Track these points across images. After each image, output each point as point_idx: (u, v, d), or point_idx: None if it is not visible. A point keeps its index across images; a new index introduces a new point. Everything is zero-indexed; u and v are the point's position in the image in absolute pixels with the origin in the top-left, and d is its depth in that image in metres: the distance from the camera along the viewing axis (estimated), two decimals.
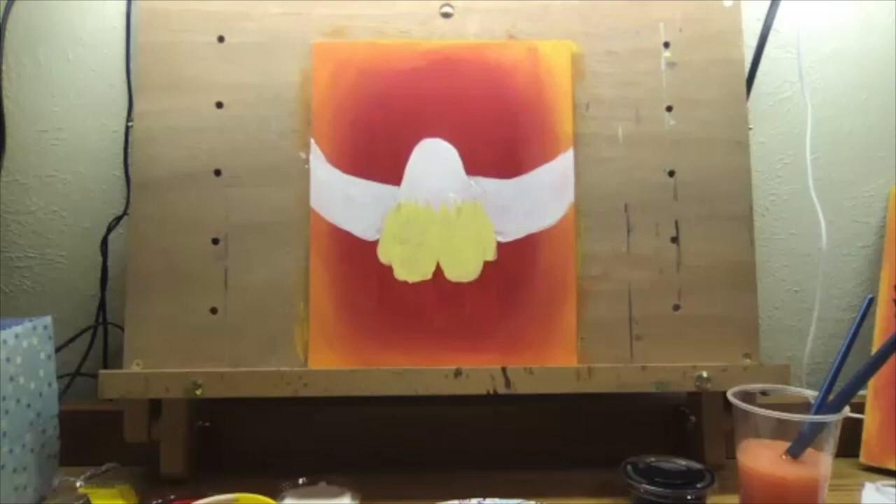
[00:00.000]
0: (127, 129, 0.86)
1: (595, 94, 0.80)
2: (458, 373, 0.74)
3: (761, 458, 0.63)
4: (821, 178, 0.89)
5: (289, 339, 0.76)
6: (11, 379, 0.67)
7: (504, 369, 0.74)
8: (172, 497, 0.71)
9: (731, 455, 0.69)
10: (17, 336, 0.68)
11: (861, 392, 0.69)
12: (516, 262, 0.77)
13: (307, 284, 0.77)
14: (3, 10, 0.83)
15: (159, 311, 0.76)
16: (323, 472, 0.73)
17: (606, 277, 0.78)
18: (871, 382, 0.81)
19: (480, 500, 0.69)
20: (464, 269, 0.77)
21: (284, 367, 0.75)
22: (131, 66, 0.86)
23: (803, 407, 0.65)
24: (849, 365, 0.64)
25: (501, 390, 0.74)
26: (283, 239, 0.77)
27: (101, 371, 0.74)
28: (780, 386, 0.72)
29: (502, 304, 0.77)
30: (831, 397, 0.63)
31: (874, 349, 0.82)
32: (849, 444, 0.78)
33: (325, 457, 0.81)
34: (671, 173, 0.79)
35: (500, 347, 0.77)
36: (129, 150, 0.85)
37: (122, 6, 0.86)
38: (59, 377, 0.75)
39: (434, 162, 0.78)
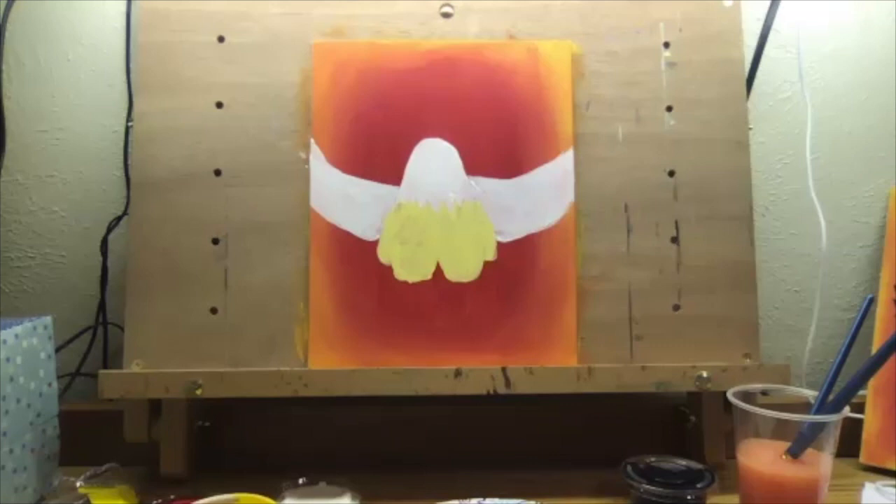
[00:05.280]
0: (127, 129, 0.86)
1: (595, 94, 0.80)
2: (458, 373, 0.74)
3: (761, 458, 0.63)
4: (821, 178, 0.89)
5: (289, 339, 0.76)
6: (11, 379, 0.67)
7: (504, 369, 0.74)
8: (172, 497, 0.71)
9: (731, 455, 0.69)
10: (17, 336, 0.68)
11: (861, 392, 0.69)
12: (516, 262, 0.77)
13: (307, 284, 0.77)
14: (3, 10, 0.83)
15: (159, 311, 0.76)
16: (323, 472, 0.73)
17: (606, 277, 0.78)
18: (871, 382, 0.81)
19: (480, 500, 0.69)
20: (464, 269, 0.77)
21: (284, 367, 0.74)
22: (131, 66, 0.86)
23: (803, 407, 0.65)
24: (849, 365, 0.64)
25: (501, 390, 0.74)
26: (283, 239, 0.77)
27: (101, 371, 0.74)
28: (780, 386, 0.72)
29: (502, 304, 0.77)
30: (831, 397, 0.63)
31: (874, 349, 0.82)
32: (849, 444, 0.78)
33: (325, 457, 0.81)
34: (671, 173, 0.79)
35: (500, 347, 0.76)
36: (129, 150, 0.85)
37: (122, 6, 0.86)
38: (59, 377, 0.75)
39: (434, 162, 0.78)
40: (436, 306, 0.77)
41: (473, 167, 0.78)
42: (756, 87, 0.88)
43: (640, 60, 0.80)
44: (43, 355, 0.72)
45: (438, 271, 0.77)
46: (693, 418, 0.81)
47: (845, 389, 0.62)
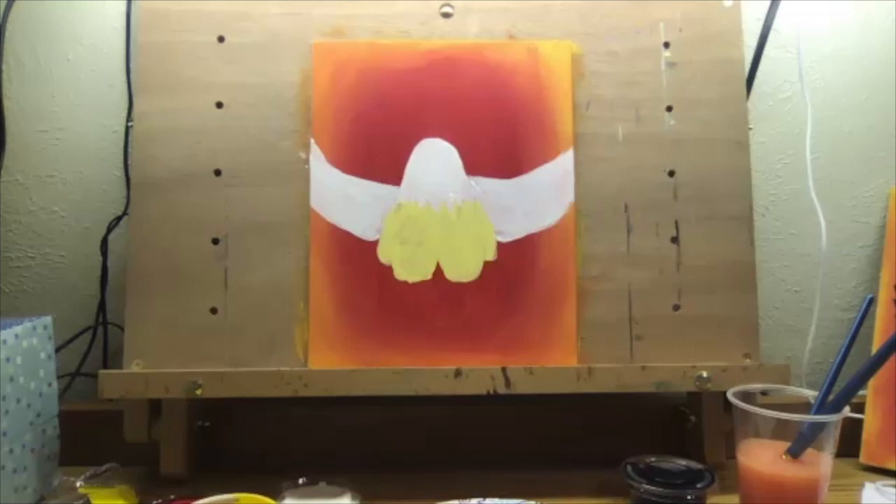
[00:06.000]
0: (127, 129, 0.86)
1: (595, 94, 0.80)
2: (458, 373, 0.74)
3: (761, 458, 0.63)
4: (821, 178, 0.89)
5: (289, 339, 0.76)
6: (11, 379, 0.67)
7: (504, 369, 0.74)
8: (172, 497, 0.71)
9: (731, 455, 0.69)
10: (17, 336, 0.68)
11: (861, 392, 0.69)
12: (516, 262, 0.77)
13: (307, 284, 0.77)
14: (3, 10, 0.83)
15: (159, 311, 0.76)
16: (323, 472, 0.73)
17: (606, 277, 0.78)
18: (871, 382, 0.81)
19: (480, 500, 0.69)
20: (464, 269, 0.77)
21: (284, 367, 0.74)
22: (131, 66, 0.86)
23: (803, 407, 0.65)
24: (849, 365, 0.64)
25: (501, 390, 0.74)
26: (283, 239, 0.77)
27: (101, 371, 0.74)
28: (780, 386, 0.72)
29: (502, 304, 0.77)
30: (831, 397, 0.63)
31: (874, 349, 0.82)
32: (849, 444, 0.78)
33: (325, 457, 0.81)
34: (671, 173, 0.79)
35: (500, 347, 0.76)
36: (129, 150, 0.85)
37: (122, 6, 0.86)
38: (59, 377, 0.75)
39: (434, 162, 0.78)
40: (436, 306, 0.77)
41: (473, 167, 0.78)
42: (756, 87, 0.88)
43: (640, 60, 0.80)
44: (43, 355, 0.72)
45: (438, 271, 0.77)
46: (693, 418, 0.81)
47: (845, 389, 0.62)
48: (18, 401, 0.68)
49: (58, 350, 0.76)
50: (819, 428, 0.62)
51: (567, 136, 0.79)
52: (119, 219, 0.86)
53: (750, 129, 0.81)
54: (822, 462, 0.62)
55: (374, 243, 0.77)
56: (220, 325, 0.76)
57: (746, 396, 0.67)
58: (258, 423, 0.83)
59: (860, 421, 0.82)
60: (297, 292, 0.77)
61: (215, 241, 0.77)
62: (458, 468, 0.78)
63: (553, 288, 0.77)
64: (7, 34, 0.84)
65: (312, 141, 0.78)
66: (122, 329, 0.77)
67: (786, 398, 0.70)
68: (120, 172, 0.87)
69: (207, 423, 0.81)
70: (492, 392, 0.74)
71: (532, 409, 0.83)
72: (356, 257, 0.77)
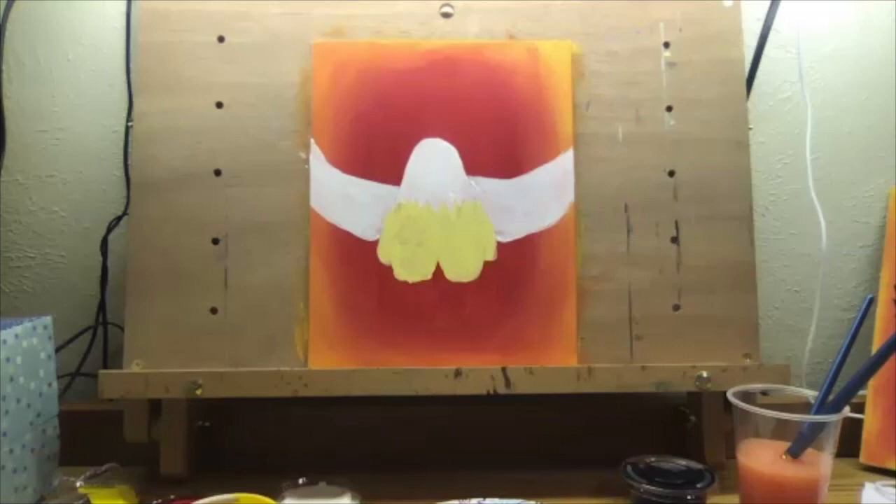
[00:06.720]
0: (127, 129, 0.86)
1: (595, 94, 0.80)
2: (458, 373, 0.74)
3: (761, 458, 0.63)
4: (821, 178, 0.89)
5: (289, 339, 0.76)
6: (11, 379, 0.67)
7: (504, 369, 0.74)
8: (172, 497, 0.71)
9: (731, 455, 0.69)
10: (17, 336, 0.68)
11: (861, 392, 0.69)
12: (516, 262, 0.77)
13: (307, 284, 0.77)
14: (3, 10, 0.83)
15: (159, 311, 0.76)
16: (323, 472, 0.73)
17: (606, 277, 0.78)
18: (871, 382, 0.81)
19: (480, 500, 0.69)
20: (464, 269, 0.77)
21: (284, 367, 0.74)
22: (131, 66, 0.86)
23: (803, 407, 0.65)
24: (849, 365, 0.64)
25: (501, 390, 0.74)
26: (283, 239, 0.77)
27: (101, 371, 0.74)
28: (780, 386, 0.72)
29: (502, 304, 0.77)
30: (831, 397, 0.63)
31: (874, 349, 0.82)
32: (849, 444, 0.78)
33: (325, 457, 0.81)
34: (671, 173, 0.79)
35: (500, 347, 0.76)
36: (129, 150, 0.85)
37: (122, 6, 0.86)
38: (59, 377, 0.75)
39: (434, 162, 0.78)
40: (436, 306, 0.77)
41: (473, 167, 0.78)
42: (756, 87, 0.88)
43: (640, 60, 0.80)
44: (43, 355, 0.72)
45: (438, 271, 0.77)
46: (693, 418, 0.81)
47: (845, 389, 0.62)
48: (18, 401, 0.68)
49: (58, 350, 0.76)
50: (819, 428, 0.62)
51: (567, 136, 0.79)
52: (119, 219, 0.86)
53: (750, 129, 0.81)
54: (822, 462, 0.62)
55: (374, 243, 0.77)
56: (220, 325, 0.76)
57: (746, 396, 0.67)
58: (258, 423, 0.83)
59: (860, 421, 0.82)
60: (297, 292, 0.77)
61: (215, 241, 0.77)
62: (458, 468, 0.78)
63: (553, 288, 0.77)
64: (7, 34, 0.84)
65: (312, 141, 0.78)
66: (122, 329, 0.77)
67: (786, 398, 0.70)
68: (120, 172, 0.87)
69: (207, 423, 0.81)
70: (492, 392, 0.74)
71: (532, 409, 0.83)
72: (356, 257, 0.77)
